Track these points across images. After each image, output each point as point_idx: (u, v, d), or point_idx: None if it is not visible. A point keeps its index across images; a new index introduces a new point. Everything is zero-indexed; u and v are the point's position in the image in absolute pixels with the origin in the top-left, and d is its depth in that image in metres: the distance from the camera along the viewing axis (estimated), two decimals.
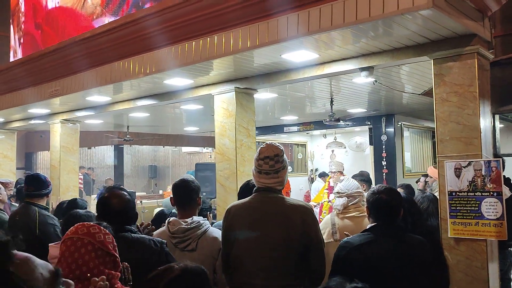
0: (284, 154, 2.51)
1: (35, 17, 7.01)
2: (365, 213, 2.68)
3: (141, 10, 4.59)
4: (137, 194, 11.78)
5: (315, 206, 6.33)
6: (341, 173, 6.25)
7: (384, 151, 7.94)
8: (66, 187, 7.03)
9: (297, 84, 5.03)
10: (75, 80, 5.27)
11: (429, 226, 3.27)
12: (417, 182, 6.48)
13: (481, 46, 3.29)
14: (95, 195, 11.13)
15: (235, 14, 3.57)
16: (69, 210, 3.13)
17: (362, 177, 5.44)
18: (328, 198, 6.24)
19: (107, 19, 5.34)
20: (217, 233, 2.67)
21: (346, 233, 3.05)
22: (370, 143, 8.55)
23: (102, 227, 1.69)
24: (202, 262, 2.17)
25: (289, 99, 6.36)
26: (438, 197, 3.41)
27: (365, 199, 2.79)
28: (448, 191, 3.28)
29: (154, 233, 2.77)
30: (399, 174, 7.91)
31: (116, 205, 2.37)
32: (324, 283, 2.39)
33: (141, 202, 9.65)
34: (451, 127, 3.31)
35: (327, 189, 6.51)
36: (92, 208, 4.39)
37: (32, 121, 7.79)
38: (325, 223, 3.49)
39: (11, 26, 7.83)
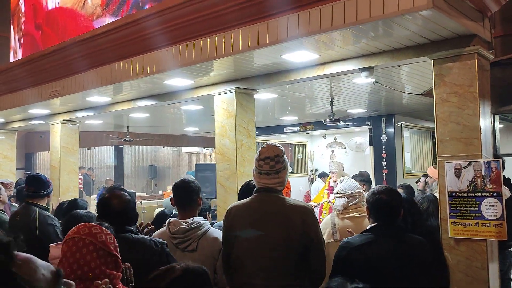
0: (285, 155, 2.51)
1: (35, 18, 7.01)
2: (365, 214, 2.68)
3: (141, 11, 4.60)
4: (137, 194, 11.78)
5: (315, 206, 6.33)
6: (341, 173, 6.25)
7: (384, 152, 7.95)
8: (66, 187, 7.03)
9: (297, 85, 5.04)
10: (75, 80, 5.28)
11: (429, 227, 3.27)
12: (417, 182, 6.49)
13: (481, 47, 3.30)
14: (95, 196, 11.14)
15: (235, 14, 3.57)
16: (70, 211, 3.14)
17: (362, 178, 5.45)
18: (328, 198, 6.25)
19: (107, 20, 5.34)
20: (217, 233, 2.68)
21: (350, 230, 3.06)
22: (370, 144, 8.55)
23: (103, 228, 1.69)
24: (202, 262, 2.18)
25: (289, 99, 6.36)
26: (438, 197, 3.41)
27: (365, 200, 2.79)
28: (448, 192, 3.28)
29: (155, 233, 2.78)
30: (399, 174, 7.92)
31: (116, 206, 2.37)
32: (325, 284, 2.41)
33: (141, 202, 9.65)
34: (451, 128, 3.31)
35: (327, 189, 6.52)
36: (92, 209, 4.39)
37: (32, 122, 7.79)
38: (325, 223, 3.50)
39: (11, 27, 7.83)
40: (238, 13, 3.55)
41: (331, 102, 6.26)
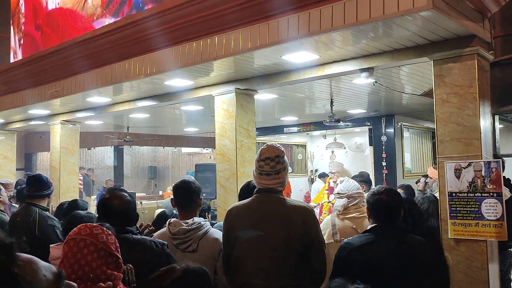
0: (285, 155, 2.51)
1: (35, 18, 7.02)
2: (366, 214, 2.68)
3: (142, 12, 4.60)
4: (137, 195, 11.78)
5: (315, 206, 6.34)
6: (341, 174, 6.25)
7: (384, 152, 7.95)
8: (66, 188, 7.03)
9: (297, 85, 5.04)
10: (75, 81, 5.28)
11: (429, 227, 3.27)
12: (417, 182, 6.49)
13: (481, 47, 3.30)
14: (95, 196, 11.15)
15: (235, 15, 3.58)
16: (70, 211, 3.14)
17: (362, 178, 5.45)
18: (328, 198, 6.25)
19: (108, 20, 5.34)
20: (218, 234, 2.68)
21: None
22: (370, 144, 8.56)
23: (104, 228, 1.69)
24: (203, 263, 2.18)
25: (289, 100, 6.37)
26: (438, 197, 3.42)
27: (365, 200, 2.79)
28: (448, 192, 3.29)
29: (155, 234, 2.78)
30: (399, 174, 7.92)
31: (116, 206, 2.37)
32: (325, 284, 2.41)
33: (141, 203, 9.65)
34: (451, 128, 3.32)
35: (327, 189, 6.52)
36: (92, 209, 4.39)
37: (32, 122, 7.79)
38: (326, 224, 3.50)
39: (11, 27, 7.83)
40: (238, 14, 3.55)
41: (331, 102, 6.27)
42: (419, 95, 5.76)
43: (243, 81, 4.70)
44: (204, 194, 3.25)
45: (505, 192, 3.31)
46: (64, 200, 5.11)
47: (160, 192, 14.71)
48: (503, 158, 3.97)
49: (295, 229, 2.36)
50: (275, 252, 2.35)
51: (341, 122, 6.90)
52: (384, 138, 7.96)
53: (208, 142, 13.74)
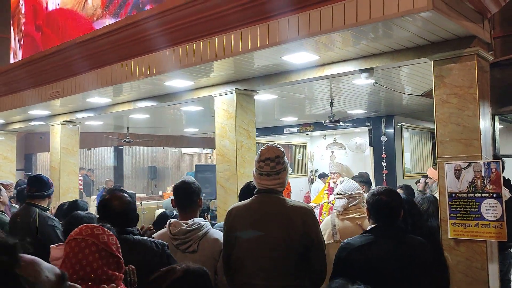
0: (285, 156, 2.52)
1: (35, 19, 7.02)
2: (365, 214, 2.68)
3: (142, 12, 4.61)
4: (137, 195, 11.78)
5: (315, 207, 6.34)
6: (340, 174, 6.26)
7: (384, 152, 7.95)
8: (66, 188, 7.04)
9: (297, 86, 5.04)
10: (76, 81, 5.28)
11: (429, 227, 3.27)
12: (416, 183, 6.50)
13: (481, 48, 3.30)
14: (95, 196, 11.15)
15: (235, 16, 3.58)
16: (70, 212, 3.14)
17: (362, 179, 5.45)
18: (328, 199, 6.26)
19: (108, 21, 5.35)
20: (218, 234, 2.68)
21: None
22: (370, 144, 8.56)
23: (106, 229, 1.70)
24: (203, 263, 2.18)
25: (289, 100, 6.37)
26: (438, 198, 3.42)
27: (365, 201, 2.80)
28: (448, 192, 3.29)
29: (155, 234, 2.78)
30: (399, 175, 7.92)
31: (117, 207, 2.38)
32: (325, 285, 2.41)
33: (141, 203, 9.65)
34: (451, 129, 3.32)
35: (327, 190, 6.53)
36: (92, 209, 4.39)
37: (32, 123, 7.80)
38: (326, 224, 3.50)
39: (12, 28, 7.84)
40: (239, 15, 3.56)
41: (331, 103, 6.27)
42: (419, 95, 5.76)
43: (243, 82, 4.70)
44: (204, 195, 3.25)
45: (505, 192, 3.32)
46: (64, 201, 5.11)
47: (160, 193, 14.71)
48: (502, 158, 3.97)
49: (295, 230, 2.36)
50: (275, 252, 2.36)
51: (341, 122, 6.90)
52: (384, 139, 7.97)
53: (208, 142, 13.74)
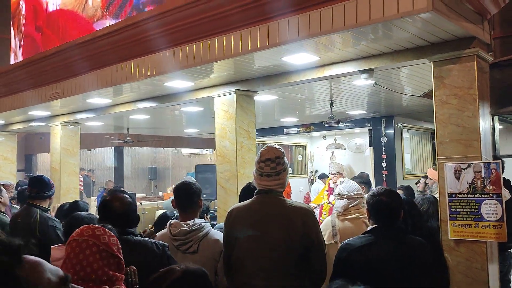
0: (285, 156, 2.52)
1: (35, 20, 7.03)
2: (366, 215, 2.69)
3: (142, 13, 4.61)
4: (137, 196, 11.78)
5: (315, 207, 6.34)
6: (341, 174, 6.26)
7: (384, 153, 7.96)
8: (66, 189, 7.05)
9: (297, 86, 5.05)
10: (76, 82, 5.29)
11: (429, 228, 3.28)
12: (416, 183, 6.50)
13: (481, 49, 3.31)
14: (95, 197, 11.15)
15: (236, 17, 3.59)
16: (71, 213, 3.14)
17: (362, 179, 5.46)
18: (328, 199, 6.25)
19: (108, 22, 5.35)
20: (218, 235, 2.69)
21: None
22: (370, 145, 8.57)
23: (107, 229, 1.70)
24: (203, 264, 2.19)
25: (289, 101, 6.38)
26: (438, 198, 3.42)
27: (365, 201, 2.80)
28: (448, 193, 3.30)
29: (156, 235, 2.79)
30: (399, 175, 7.93)
31: (118, 208, 2.38)
32: (325, 286, 2.42)
33: (141, 204, 9.64)
34: (451, 129, 3.33)
35: (327, 190, 6.52)
36: (92, 210, 4.40)
37: (33, 123, 7.80)
38: (326, 224, 3.51)
39: (12, 28, 7.84)
40: (239, 16, 3.56)
41: (331, 103, 6.28)
42: (418, 96, 5.77)
43: (243, 83, 4.71)
44: (204, 195, 3.25)
45: (505, 193, 3.32)
46: (64, 201, 5.11)
47: (160, 193, 14.70)
48: (502, 159, 3.97)
49: (295, 230, 2.37)
50: (275, 252, 2.36)
51: (341, 123, 6.91)
52: (384, 139, 7.97)
53: (208, 143, 13.75)
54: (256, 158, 2.51)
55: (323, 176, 9.02)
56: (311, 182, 10.49)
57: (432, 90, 3.48)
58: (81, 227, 1.70)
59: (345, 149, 9.71)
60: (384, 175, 7.88)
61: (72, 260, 1.59)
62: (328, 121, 6.55)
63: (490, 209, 3.13)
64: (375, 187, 3.51)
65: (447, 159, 3.33)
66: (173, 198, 2.83)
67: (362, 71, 3.92)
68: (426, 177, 6.10)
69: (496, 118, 5.05)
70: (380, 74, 4.51)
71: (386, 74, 4.59)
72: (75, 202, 3.83)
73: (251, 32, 3.52)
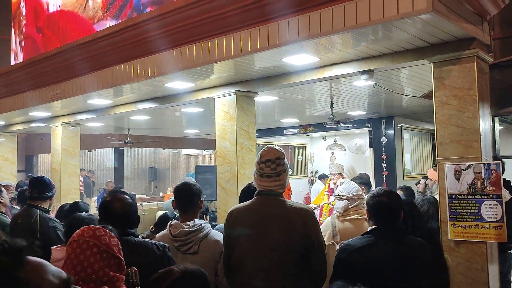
0: (285, 157, 2.53)
1: (36, 21, 7.04)
2: (366, 216, 2.69)
3: (142, 14, 4.62)
4: (137, 196, 11.78)
5: (315, 208, 6.34)
6: (341, 175, 6.26)
7: (384, 153, 7.96)
8: (67, 190, 7.05)
9: (298, 87, 5.06)
10: (76, 83, 5.30)
11: (429, 229, 3.28)
12: (417, 184, 6.50)
13: (481, 50, 3.32)
14: (96, 198, 11.16)
15: (236, 18, 3.59)
16: (71, 213, 3.15)
17: (362, 180, 5.45)
18: (328, 200, 6.25)
19: (108, 23, 5.36)
20: (219, 236, 2.69)
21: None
22: (370, 145, 8.57)
23: (107, 230, 1.71)
24: (204, 265, 2.19)
25: (289, 102, 6.38)
26: (438, 199, 3.43)
27: (365, 202, 2.80)
28: (448, 194, 3.30)
29: (156, 236, 2.79)
30: (399, 176, 7.93)
31: (118, 209, 2.38)
32: (326, 286, 2.42)
33: (141, 204, 9.65)
34: (451, 130, 3.33)
35: (327, 191, 6.52)
36: (92, 211, 4.40)
37: (33, 124, 7.81)
38: (326, 225, 3.51)
39: (12, 29, 7.85)
40: (239, 17, 3.57)
41: (331, 104, 6.28)
42: (418, 97, 5.77)
43: (244, 83, 4.71)
44: (204, 196, 3.26)
45: (505, 194, 3.32)
46: (65, 202, 5.12)
47: (161, 194, 14.71)
48: (502, 160, 3.98)
49: (295, 231, 2.37)
50: (275, 253, 2.36)
51: (341, 123, 6.91)
52: (384, 140, 7.98)
53: (209, 143, 13.76)
54: (256, 159, 2.52)
55: (323, 177, 9.03)
56: (311, 182, 10.50)
57: (432, 91, 3.49)
58: (81, 228, 1.70)
59: (345, 149, 9.71)
60: (384, 176, 7.88)
61: (73, 261, 1.60)
62: (328, 122, 6.56)
63: (490, 210, 3.14)
64: (375, 187, 3.51)
65: (447, 160, 3.33)
66: (173, 199, 2.83)
67: (362, 72, 3.92)
68: (426, 177, 6.10)
69: (496, 118, 5.06)
70: (380, 75, 4.52)
71: (386, 75, 4.60)
72: (76, 203, 3.83)
73: (251, 33, 3.53)
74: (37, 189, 3.75)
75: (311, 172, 10.97)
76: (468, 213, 3.21)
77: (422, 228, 2.89)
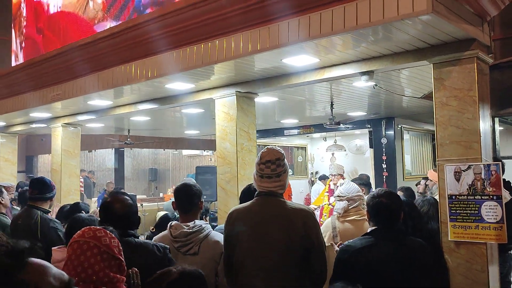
0: (285, 158, 2.53)
1: (36, 22, 7.05)
2: (366, 217, 2.69)
3: (143, 15, 4.62)
4: (137, 197, 11.78)
5: (315, 209, 6.34)
6: (341, 176, 6.26)
7: (384, 154, 7.97)
8: (67, 190, 7.06)
9: (298, 88, 5.06)
10: (77, 84, 5.30)
11: (429, 230, 3.28)
12: (417, 185, 6.50)
13: (481, 51, 3.32)
14: (96, 198, 11.16)
15: (236, 19, 3.60)
16: (72, 214, 3.15)
17: (362, 181, 5.46)
18: (328, 201, 6.26)
19: (109, 24, 5.37)
20: (219, 237, 2.69)
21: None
22: (370, 146, 8.58)
23: (108, 231, 1.71)
24: (204, 265, 2.20)
25: (289, 102, 6.38)
26: (438, 200, 3.43)
27: (365, 203, 2.80)
28: (448, 195, 3.30)
29: (156, 237, 2.79)
30: (399, 177, 7.93)
31: (119, 210, 2.38)
32: (326, 287, 2.42)
33: (141, 205, 9.65)
34: (451, 131, 3.33)
35: (327, 192, 6.53)
36: (92, 211, 4.39)
37: (34, 125, 7.82)
38: (326, 226, 3.51)
39: (13, 30, 7.86)
40: (239, 18, 3.57)
41: (331, 105, 6.29)
42: (419, 97, 5.77)
43: (244, 84, 4.72)
44: (204, 197, 3.26)
45: (505, 194, 3.32)
46: (65, 203, 5.13)
47: (161, 194, 14.71)
48: (502, 160, 3.98)
49: (295, 232, 2.37)
50: (276, 253, 2.37)
51: (341, 124, 6.92)
52: (384, 140, 7.98)
53: (209, 144, 13.76)
54: (256, 160, 2.52)
55: (323, 178, 9.03)
56: (312, 183, 10.50)
57: (432, 91, 3.49)
58: (82, 228, 1.70)
59: (345, 150, 9.72)
60: (384, 177, 7.88)
61: (73, 262, 1.60)
62: (328, 123, 6.56)
63: (490, 211, 3.14)
64: (375, 188, 3.52)
65: (447, 161, 3.33)
66: (174, 200, 2.83)
67: (362, 73, 3.93)
68: (426, 178, 6.11)
69: (496, 119, 5.06)
70: (380, 76, 4.52)
71: (386, 76, 4.60)
72: (76, 204, 3.84)
73: (251, 34, 3.53)
74: (37, 190, 3.75)
75: (311, 173, 10.97)
76: (468, 214, 3.21)
77: (422, 229, 2.89)
